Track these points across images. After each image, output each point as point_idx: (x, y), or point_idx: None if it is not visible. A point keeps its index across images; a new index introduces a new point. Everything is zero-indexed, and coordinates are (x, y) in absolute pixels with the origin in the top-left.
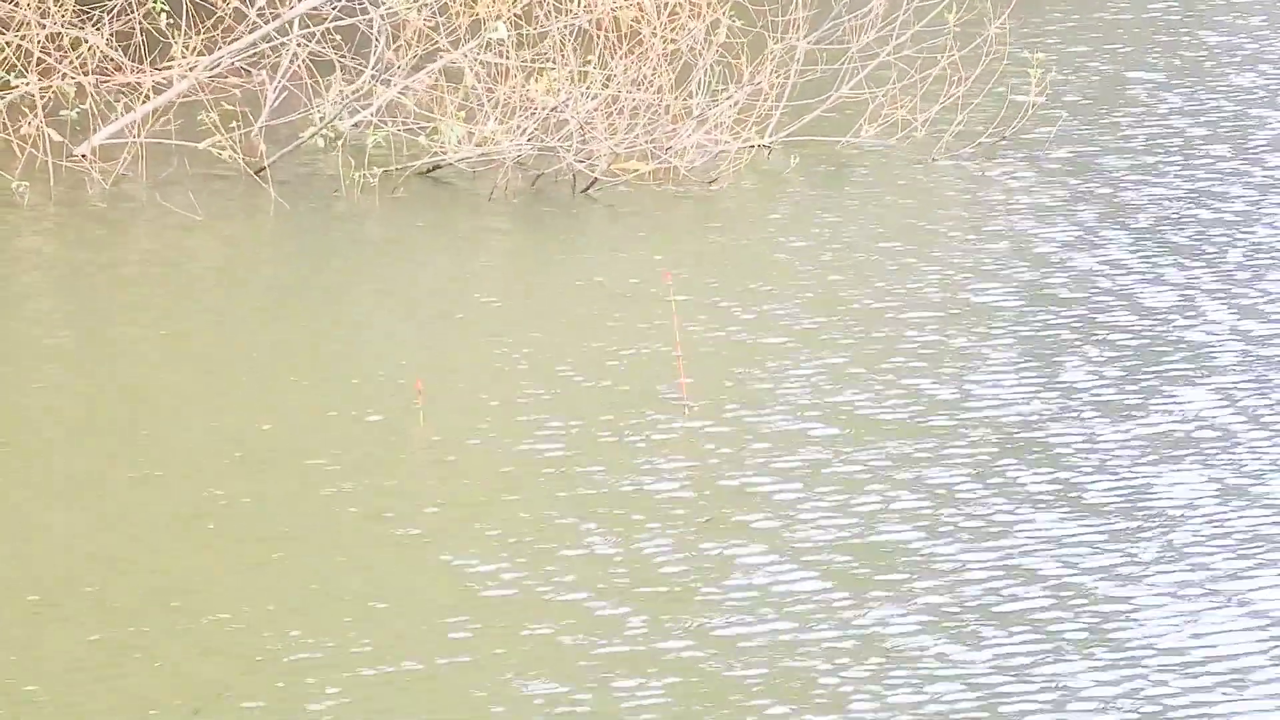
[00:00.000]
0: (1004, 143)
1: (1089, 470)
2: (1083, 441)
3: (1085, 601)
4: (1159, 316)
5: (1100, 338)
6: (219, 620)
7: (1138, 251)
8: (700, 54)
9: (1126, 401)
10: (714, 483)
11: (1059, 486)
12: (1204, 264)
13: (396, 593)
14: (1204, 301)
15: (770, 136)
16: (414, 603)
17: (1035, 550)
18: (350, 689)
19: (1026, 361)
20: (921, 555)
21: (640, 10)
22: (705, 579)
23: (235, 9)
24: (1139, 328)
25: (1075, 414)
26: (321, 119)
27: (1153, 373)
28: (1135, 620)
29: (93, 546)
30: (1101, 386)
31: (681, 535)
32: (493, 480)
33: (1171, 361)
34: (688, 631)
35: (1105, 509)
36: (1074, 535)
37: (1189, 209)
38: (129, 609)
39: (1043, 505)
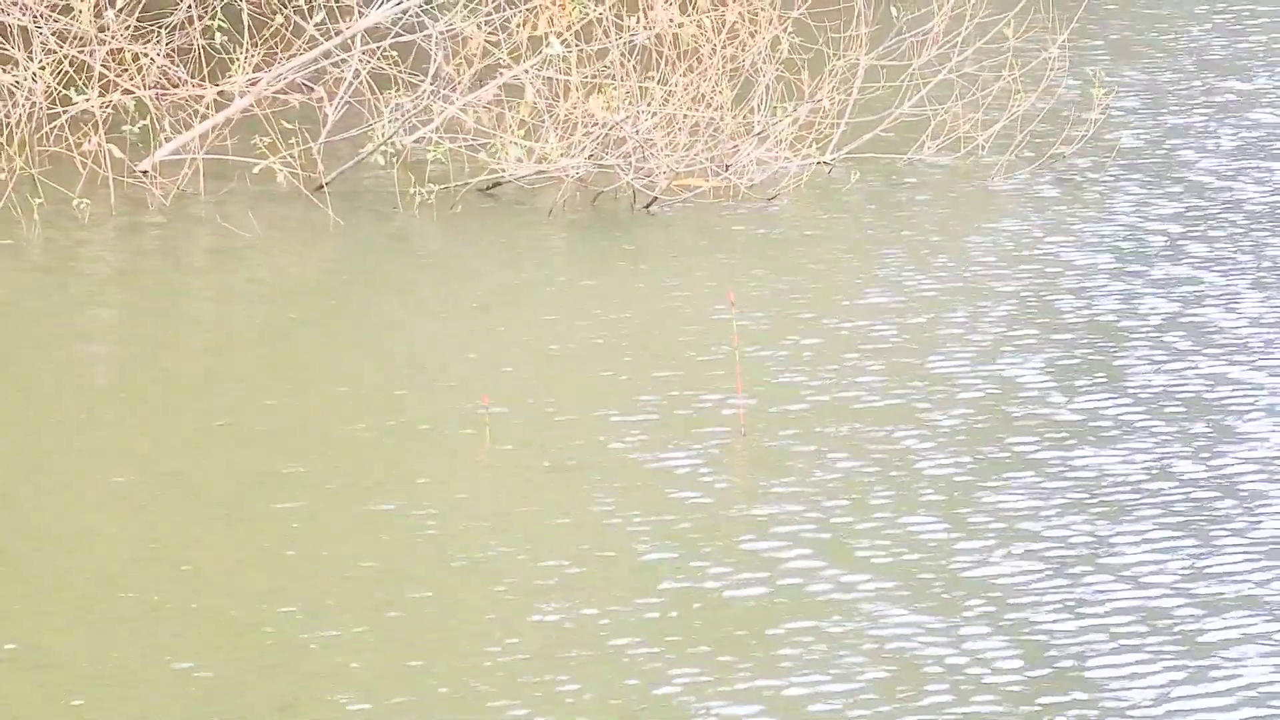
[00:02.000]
0: (1065, 161)
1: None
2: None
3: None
4: (1206, 332)
5: (1169, 366)
6: (266, 626)
7: (1195, 268)
8: (761, 71)
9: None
10: (766, 501)
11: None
12: (1254, 285)
13: (445, 599)
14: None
15: (831, 153)
16: (463, 611)
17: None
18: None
19: (1102, 391)
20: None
21: (700, 27)
22: (765, 603)
23: (295, 24)
24: (1190, 354)
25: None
26: (381, 135)
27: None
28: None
29: (134, 547)
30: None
31: (728, 547)
32: (553, 492)
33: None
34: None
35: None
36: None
37: (1250, 232)
38: (172, 609)
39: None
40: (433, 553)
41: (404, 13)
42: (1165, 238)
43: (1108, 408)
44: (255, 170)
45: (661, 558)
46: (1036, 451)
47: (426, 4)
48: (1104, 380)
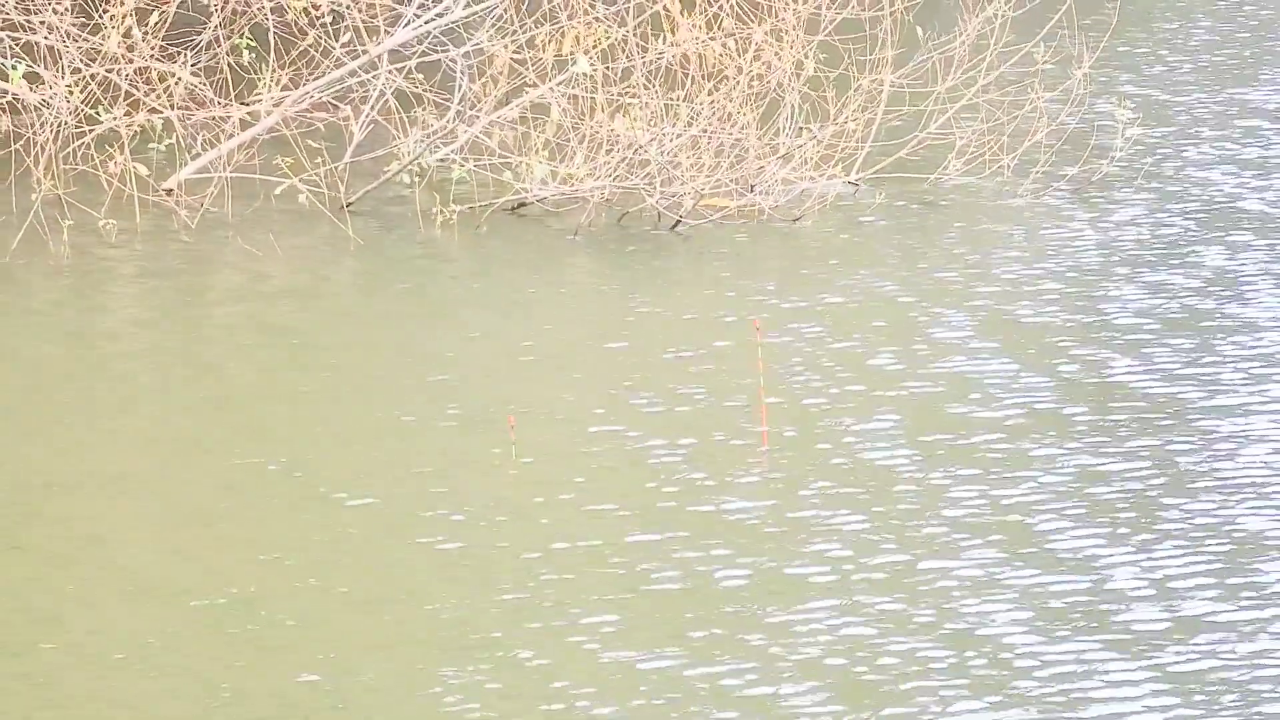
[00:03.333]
0: (1090, 183)
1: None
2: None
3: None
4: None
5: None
6: (293, 630)
7: (1216, 291)
8: (786, 91)
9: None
10: (789, 523)
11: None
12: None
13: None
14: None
15: (856, 174)
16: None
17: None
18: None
19: (1135, 418)
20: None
21: (725, 47)
22: (772, 611)
23: (323, 44)
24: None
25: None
26: (407, 155)
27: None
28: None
29: (169, 553)
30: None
31: (756, 573)
32: (579, 516)
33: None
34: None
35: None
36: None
37: (1263, 247)
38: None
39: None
40: (432, 553)
41: (428, 34)
42: (1194, 258)
43: (1124, 425)
44: (277, 193)
45: (668, 567)
46: (1062, 464)
47: (453, 25)
48: (1107, 390)
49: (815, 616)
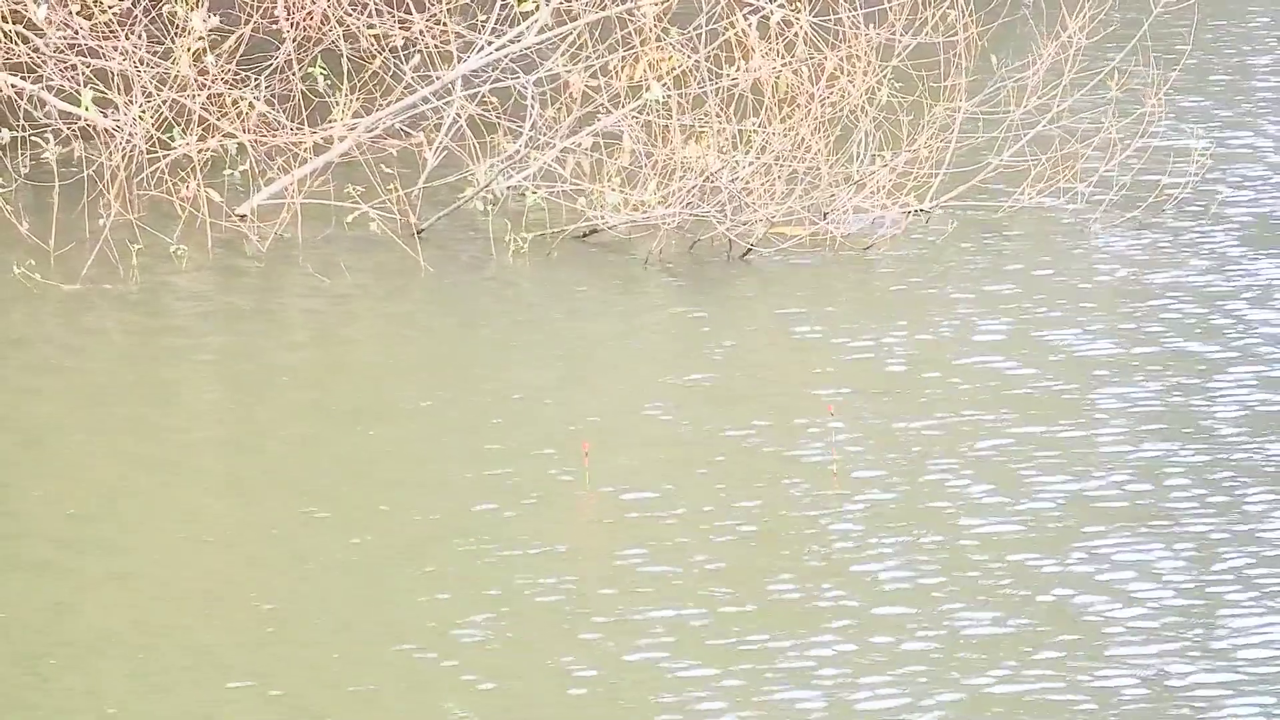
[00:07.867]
0: (1165, 213)
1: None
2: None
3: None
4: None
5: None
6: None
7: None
8: (859, 119)
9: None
10: (849, 567)
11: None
12: None
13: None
14: None
15: (929, 201)
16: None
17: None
18: None
19: (1230, 462)
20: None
21: (797, 75)
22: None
23: (395, 70)
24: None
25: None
26: (481, 181)
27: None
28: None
29: (249, 584)
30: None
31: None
32: (651, 542)
33: None
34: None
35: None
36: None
37: None
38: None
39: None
40: (502, 579)
41: (499, 62)
42: (1264, 285)
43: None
44: (349, 220)
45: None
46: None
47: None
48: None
49: (877, 643)
